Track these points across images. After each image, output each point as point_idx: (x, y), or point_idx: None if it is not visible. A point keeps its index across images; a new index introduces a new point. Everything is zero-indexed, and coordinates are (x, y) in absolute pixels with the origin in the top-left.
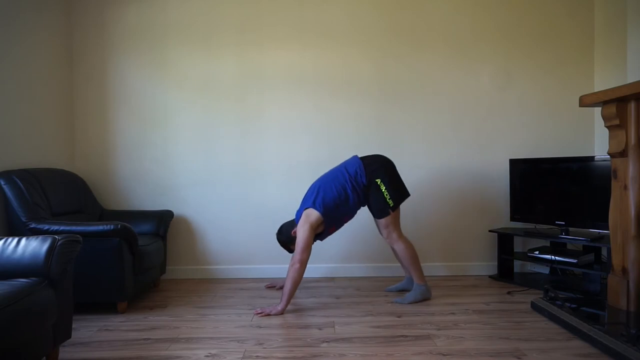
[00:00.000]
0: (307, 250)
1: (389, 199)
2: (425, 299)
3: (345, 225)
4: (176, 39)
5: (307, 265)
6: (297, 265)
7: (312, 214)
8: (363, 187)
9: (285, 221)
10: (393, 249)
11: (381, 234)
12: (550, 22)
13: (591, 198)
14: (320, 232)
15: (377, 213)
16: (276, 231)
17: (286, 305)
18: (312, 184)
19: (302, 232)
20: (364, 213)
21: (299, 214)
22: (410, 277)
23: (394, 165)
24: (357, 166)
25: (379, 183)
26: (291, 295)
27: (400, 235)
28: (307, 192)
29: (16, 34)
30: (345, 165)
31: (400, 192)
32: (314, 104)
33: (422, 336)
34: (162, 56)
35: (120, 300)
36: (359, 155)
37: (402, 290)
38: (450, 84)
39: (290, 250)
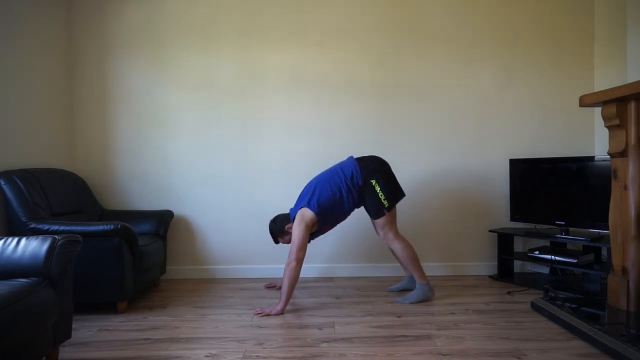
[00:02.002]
0: (303, 249)
1: (383, 200)
2: (427, 299)
3: (345, 225)
4: (176, 38)
5: (307, 265)
6: (293, 264)
7: (307, 214)
8: (359, 188)
9: (282, 213)
10: (391, 249)
11: (378, 234)
12: (550, 22)
13: (591, 198)
14: (314, 231)
15: (373, 214)
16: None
17: (285, 305)
18: (308, 183)
19: (297, 231)
20: (363, 213)
21: (293, 212)
22: (410, 276)
23: (389, 166)
24: (353, 167)
25: (373, 184)
26: (289, 294)
27: (397, 235)
28: (302, 191)
29: (16, 34)
30: (341, 167)
31: (395, 192)
32: (314, 104)
33: (422, 336)
34: (162, 56)
35: (120, 300)
36: (355, 156)
37: (403, 290)
38: (450, 83)
39: (277, 242)
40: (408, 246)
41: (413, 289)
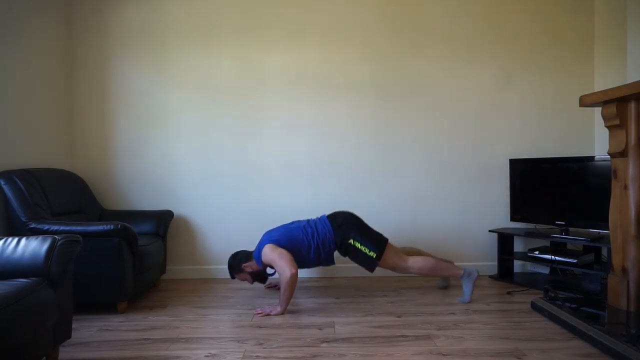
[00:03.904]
0: (291, 260)
1: (370, 252)
2: (474, 281)
3: None
4: (176, 38)
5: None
6: (292, 272)
7: (262, 250)
8: (329, 250)
9: (245, 250)
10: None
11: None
12: (550, 22)
13: (591, 198)
14: (271, 273)
15: (369, 269)
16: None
17: (286, 307)
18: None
19: (277, 254)
20: (365, 213)
21: (258, 250)
22: (456, 267)
23: (360, 218)
24: (327, 229)
25: (353, 243)
26: (289, 298)
27: (406, 262)
28: (264, 236)
29: (16, 34)
30: (315, 222)
31: (377, 240)
32: (313, 104)
33: (422, 336)
34: (162, 56)
35: (120, 300)
36: (327, 214)
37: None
38: (450, 83)
39: (232, 276)
40: (422, 262)
41: (463, 273)
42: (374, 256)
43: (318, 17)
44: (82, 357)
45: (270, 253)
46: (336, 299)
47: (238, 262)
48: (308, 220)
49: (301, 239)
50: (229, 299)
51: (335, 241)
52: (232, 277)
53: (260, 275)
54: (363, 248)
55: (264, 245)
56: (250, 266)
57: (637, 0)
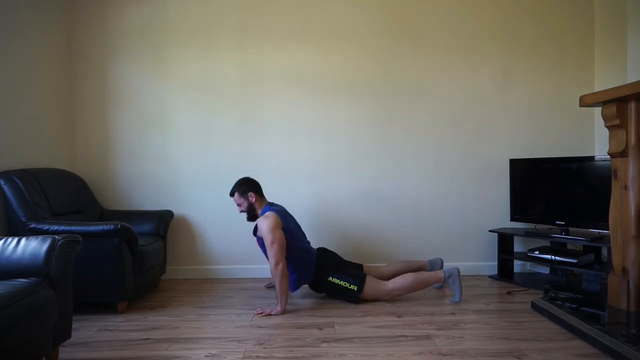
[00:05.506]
0: (283, 250)
1: (350, 286)
2: (457, 278)
3: (345, 225)
4: (177, 39)
5: None
6: (280, 266)
7: (270, 215)
8: (299, 277)
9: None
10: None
11: None
12: (550, 22)
13: (591, 198)
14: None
15: (354, 301)
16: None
17: (285, 305)
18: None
19: (272, 236)
20: (365, 213)
21: (267, 207)
22: (434, 269)
23: (340, 256)
24: (313, 261)
25: (332, 280)
26: (286, 293)
27: (387, 286)
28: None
29: (16, 34)
30: (312, 250)
31: (356, 275)
32: (313, 104)
33: (422, 336)
34: (162, 56)
35: (120, 300)
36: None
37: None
38: (451, 84)
39: (232, 194)
40: (402, 281)
41: (445, 277)
42: (355, 289)
43: (318, 18)
44: (82, 357)
45: (270, 230)
46: (336, 299)
47: (250, 188)
48: (310, 244)
49: (301, 246)
50: (229, 299)
51: (314, 274)
52: (232, 194)
53: (252, 212)
54: (343, 283)
55: (274, 211)
56: (256, 198)
57: (637, 0)
